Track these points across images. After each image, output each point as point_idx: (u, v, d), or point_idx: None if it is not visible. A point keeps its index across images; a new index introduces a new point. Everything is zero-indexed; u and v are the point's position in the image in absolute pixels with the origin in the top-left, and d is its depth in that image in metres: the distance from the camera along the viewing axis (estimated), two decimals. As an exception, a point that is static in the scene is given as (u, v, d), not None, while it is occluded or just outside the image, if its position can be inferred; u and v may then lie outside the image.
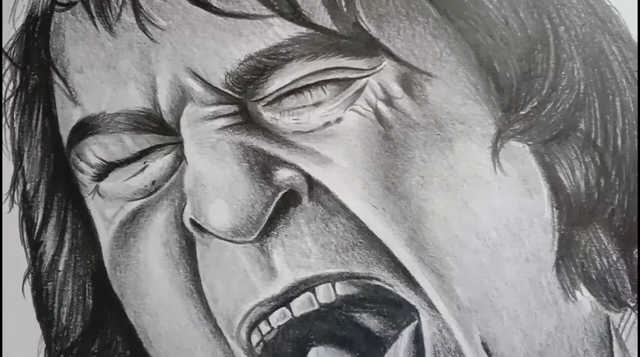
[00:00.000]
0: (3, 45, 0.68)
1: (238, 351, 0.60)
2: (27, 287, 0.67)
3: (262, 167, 0.58)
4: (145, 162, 0.61)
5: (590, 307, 0.59)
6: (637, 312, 0.60)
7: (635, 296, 0.60)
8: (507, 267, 0.57)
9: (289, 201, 0.58)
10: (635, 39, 0.61)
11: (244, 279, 0.59)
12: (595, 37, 0.61)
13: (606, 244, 0.59)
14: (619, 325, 0.59)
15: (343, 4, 0.59)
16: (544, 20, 0.62)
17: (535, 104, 0.60)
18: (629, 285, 0.59)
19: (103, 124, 0.62)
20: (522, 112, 0.60)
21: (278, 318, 0.58)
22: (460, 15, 0.61)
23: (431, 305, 0.56)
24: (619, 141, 0.60)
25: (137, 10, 0.60)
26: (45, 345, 0.66)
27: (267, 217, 0.57)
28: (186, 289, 0.61)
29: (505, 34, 0.61)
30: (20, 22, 0.67)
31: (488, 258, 0.57)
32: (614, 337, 0.59)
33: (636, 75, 0.63)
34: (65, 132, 0.63)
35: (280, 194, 0.58)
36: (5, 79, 0.67)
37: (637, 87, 0.62)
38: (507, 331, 0.56)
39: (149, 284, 0.63)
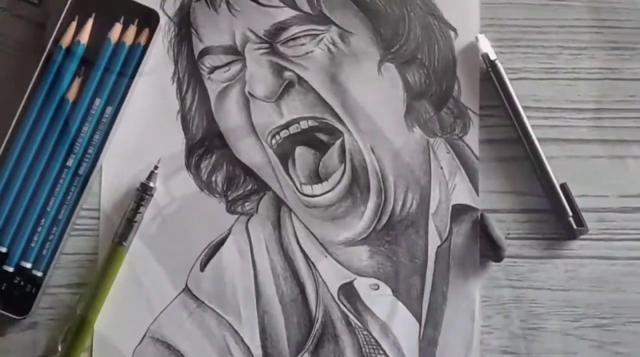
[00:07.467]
0: (165, 7, 0.86)
1: (266, 146, 0.86)
2: (179, 122, 0.86)
3: (278, 69, 0.86)
4: (229, 67, 0.87)
5: (419, 135, 0.88)
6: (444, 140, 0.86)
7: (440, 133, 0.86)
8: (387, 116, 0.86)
9: (289, 85, 0.84)
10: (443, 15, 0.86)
11: (271, 112, 0.86)
12: (427, 17, 0.89)
13: (429, 108, 0.87)
14: (434, 142, 0.89)
15: (315, 3, 0.86)
16: (403, 10, 0.88)
17: (398, 46, 0.88)
18: (438, 125, 0.87)
19: (212, 50, 0.87)
20: (392, 51, 0.88)
21: (282, 135, 0.85)
22: (363, 7, 0.86)
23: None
24: (436, 64, 0.88)
25: (228, 5, 0.86)
26: (185, 140, 0.88)
27: (279, 93, 0.85)
28: (247, 121, 0.86)
29: (388, 16, 0.87)
30: (174, 8, 0.88)
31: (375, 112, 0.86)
32: (430, 149, 0.87)
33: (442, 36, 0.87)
34: (196, 52, 0.87)
35: (284, 84, 0.85)
36: (165, 26, 0.87)
37: None
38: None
39: (230, 116, 0.87)
